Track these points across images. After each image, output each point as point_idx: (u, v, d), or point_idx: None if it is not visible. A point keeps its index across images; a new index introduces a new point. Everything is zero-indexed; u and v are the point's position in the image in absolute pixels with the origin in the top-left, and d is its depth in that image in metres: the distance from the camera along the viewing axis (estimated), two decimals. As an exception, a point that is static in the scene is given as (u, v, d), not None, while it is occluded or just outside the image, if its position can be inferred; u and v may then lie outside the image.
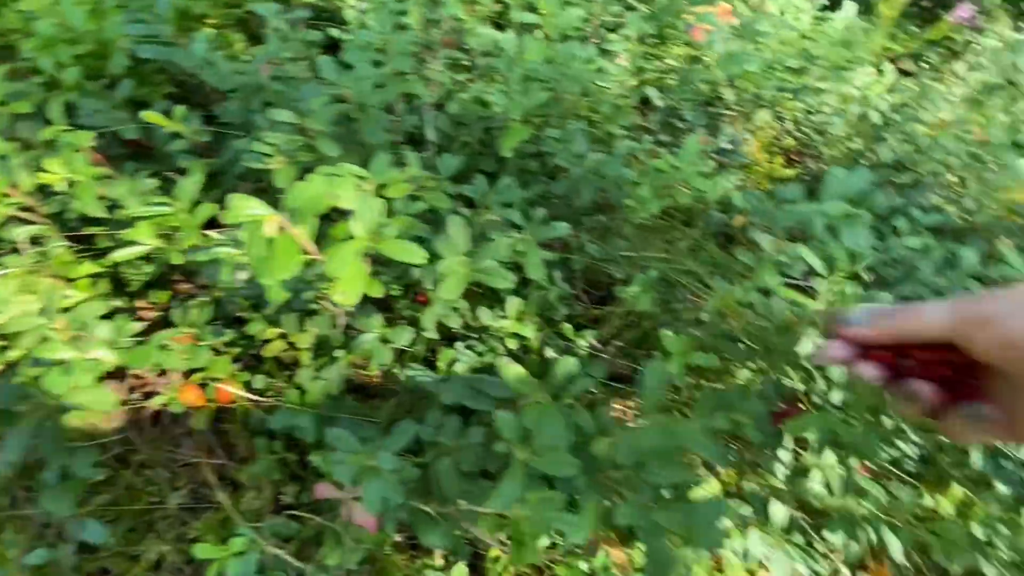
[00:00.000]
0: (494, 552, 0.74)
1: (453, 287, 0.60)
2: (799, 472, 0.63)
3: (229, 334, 0.69)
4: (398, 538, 0.79)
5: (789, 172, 1.31)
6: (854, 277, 0.72)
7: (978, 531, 0.73)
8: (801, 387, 0.69)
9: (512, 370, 0.55)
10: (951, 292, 0.91)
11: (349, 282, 0.46)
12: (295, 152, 0.70)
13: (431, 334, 0.83)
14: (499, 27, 1.17)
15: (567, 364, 0.53)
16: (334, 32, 0.96)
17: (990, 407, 0.36)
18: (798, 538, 0.72)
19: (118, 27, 0.82)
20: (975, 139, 0.94)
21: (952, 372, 0.37)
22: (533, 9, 0.93)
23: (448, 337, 0.88)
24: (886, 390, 0.39)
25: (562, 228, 0.73)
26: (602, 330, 0.94)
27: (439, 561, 0.78)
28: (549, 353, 0.81)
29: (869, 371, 0.39)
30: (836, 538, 0.75)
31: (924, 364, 0.38)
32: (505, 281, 0.64)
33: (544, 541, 0.53)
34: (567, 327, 0.86)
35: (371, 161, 0.65)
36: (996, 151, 0.91)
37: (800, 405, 0.67)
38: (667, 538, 0.48)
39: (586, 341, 0.86)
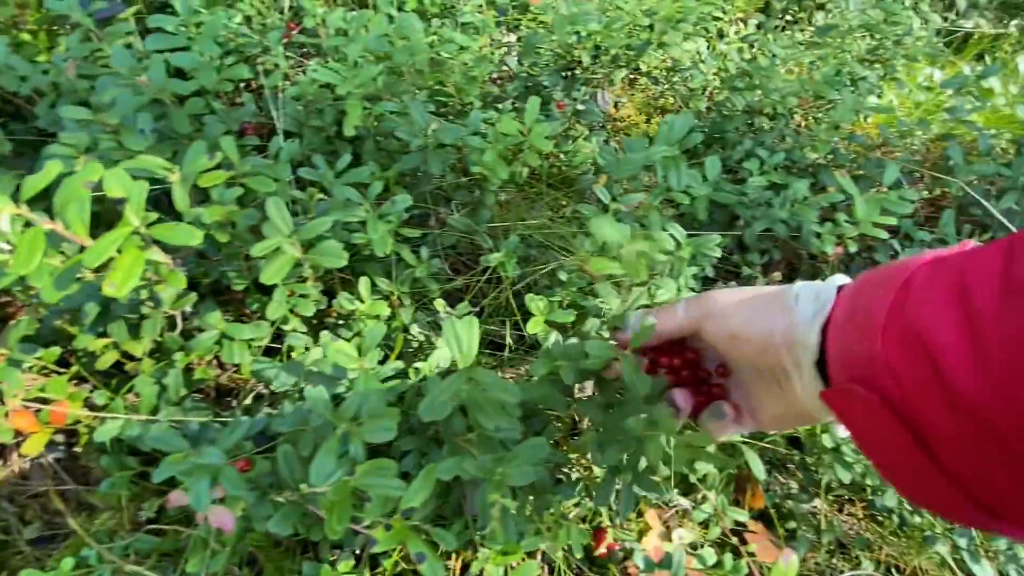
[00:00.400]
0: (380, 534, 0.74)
1: (275, 271, 0.58)
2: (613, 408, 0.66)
3: (54, 351, 0.65)
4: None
5: (665, 130, 1.35)
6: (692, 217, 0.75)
7: (827, 441, 0.79)
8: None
9: (335, 347, 0.54)
10: (805, 224, 0.97)
11: (122, 272, 0.44)
12: (108, 151, 0.66)
13: (297, 325, 0.81)
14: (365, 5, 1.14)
15: (375, 331, 0.52)
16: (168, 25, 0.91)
17: (728, 405, 0.41)
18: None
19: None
20: (811, 79, 0.99)
21: (693, 373, 0.43)
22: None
23: (319, 327, 0.86)
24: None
25: (403, 201, 0.72)
26: (479, 301, 0.95)
27: (327, 554, 0.76)
28: (415, 330, 0.81)
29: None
30: (705, 466, 0.79)
31: (672, 369, 0.43)
32: (339, 260, 0.63)
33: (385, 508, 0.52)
34: (439, 302, 0.86)
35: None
36: (827, 88, 0.96)
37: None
38: (490, 485, 0.49)
39: (460, 312, 0.86)
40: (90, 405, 0.68)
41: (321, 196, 0.71)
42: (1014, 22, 2.05)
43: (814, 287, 0.35)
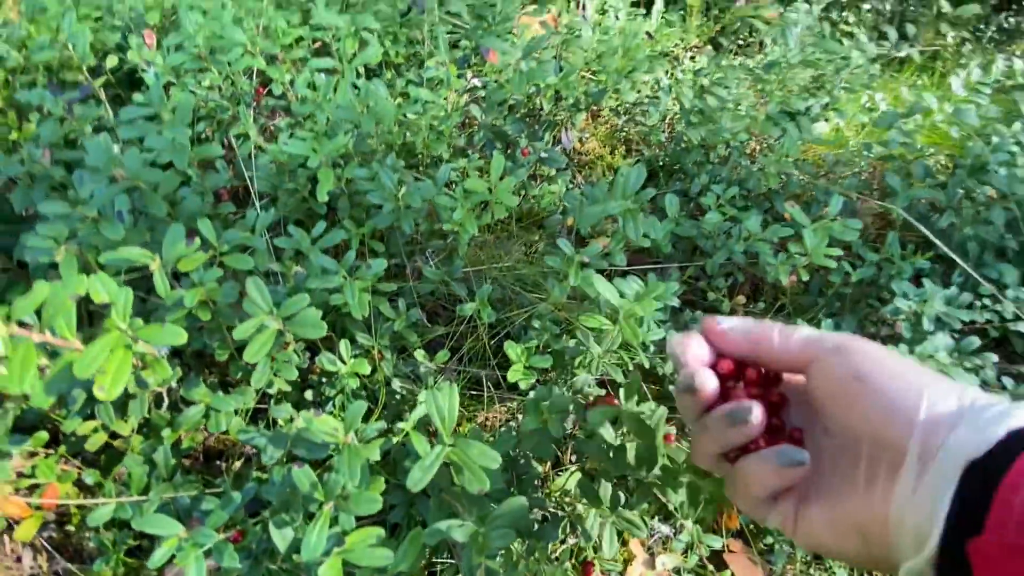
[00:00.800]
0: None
1: (258, 348, 0.61)
2: (619, 450, 0.69)
3: (42, 436, 0.66)
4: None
5: (629, 162, 1.41)
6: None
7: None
8: (620, 378, 0.76)
9: (319, 423, 0.57)
10: (761, 256, 1.02)
11: (111, 376, 0.47)
12: (87, 237, 0.68)
13: (282, 386, 0.83)
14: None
15: (358, 408, 0.55)
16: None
17: (808, 455, 0.32)
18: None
19: None
20: (757, 120, 1.05)
21: (769, 414, 0.35)
22: (328, 53, 0.95)
23: (303, 385, 0.89)
24: (713, 408, 0.36)
25: (378, 265, 0.76)
26: (458, 347, 0.98)
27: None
28: (397, 384, 0.84)
29: (711, 381, 0.36)
30: (679, 498, 0.83)
31: (749, 391, 0.36)
32: (318, 331, 0.66)
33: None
34: (419, 353, 0.89)
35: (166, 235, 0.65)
36: (772, 126, 1.03)
37: (611, 396, 0.73)
38: (475, 547, 0.52)
39: (439, 363, 0.89)
40: (80, 485, 0.69)
41: (298, 267, 0.74)
42: (951, 33, 2.18)
43: (1013, 406, 0.28)
